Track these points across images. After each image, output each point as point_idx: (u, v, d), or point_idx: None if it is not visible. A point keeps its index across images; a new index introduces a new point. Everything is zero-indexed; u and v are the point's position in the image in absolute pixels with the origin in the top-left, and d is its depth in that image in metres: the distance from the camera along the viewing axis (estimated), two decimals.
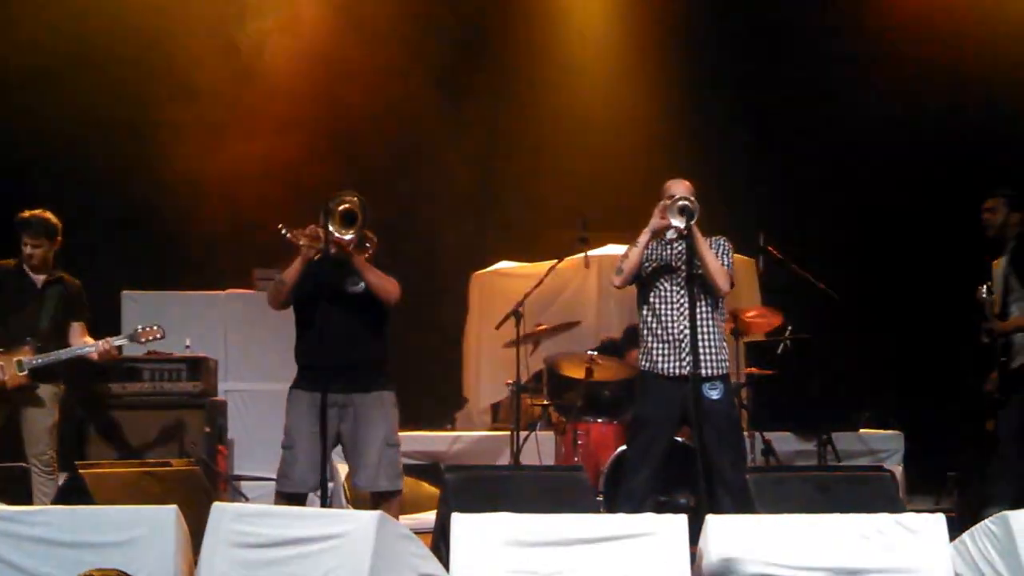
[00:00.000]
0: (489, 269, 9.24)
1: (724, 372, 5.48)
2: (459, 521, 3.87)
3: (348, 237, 5.09)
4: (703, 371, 5.33)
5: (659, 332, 5.46)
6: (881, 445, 7.83)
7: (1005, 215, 6.29)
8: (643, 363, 5.56)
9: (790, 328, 7.48)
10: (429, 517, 5.44)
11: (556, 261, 7.24)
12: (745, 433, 7.02)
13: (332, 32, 9.49)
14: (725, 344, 5.58)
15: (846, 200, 9.69)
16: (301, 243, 5.17)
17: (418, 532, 5.13)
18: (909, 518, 3.88)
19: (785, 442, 7.51)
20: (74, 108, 8.74)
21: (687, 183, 5.57)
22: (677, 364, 5.38)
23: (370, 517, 3.86)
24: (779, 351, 7.38)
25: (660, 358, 5.45)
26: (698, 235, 5.27)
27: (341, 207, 5.09)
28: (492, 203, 10.12)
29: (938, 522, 3.84)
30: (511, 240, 9.70)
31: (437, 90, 9.80)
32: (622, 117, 10.07)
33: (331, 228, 5.04)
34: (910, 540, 3.78)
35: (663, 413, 5.44)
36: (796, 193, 9.65)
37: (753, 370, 7.47)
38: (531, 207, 9.90)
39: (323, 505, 4.85)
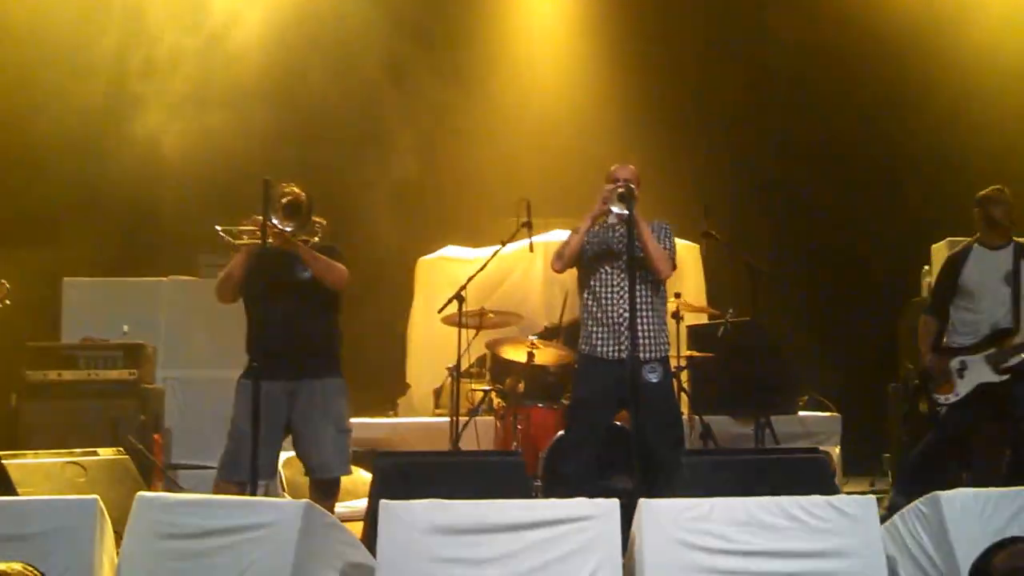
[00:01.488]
0: (434, 255, 9.17)
1: (663, 355, 5.48)
2: (386, 508, 3.81)
3: (290, 228, 5.03)
4: (642, 354, 5.36)
5: (599, 316, 5.46)
6: (818, 428, 7.89)
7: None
8: (583, 346, 5.56)
9: (731, 311, 7.49)
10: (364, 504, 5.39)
11: (500, 246, 7.18)
12: (684, 416, 7.03)
13: (294, 14, 9.41)
14: (665, 327, 5.57)
15: (789, 185, 9.74)
16: (240, 241, 5.10)
17: (355, 519, 5.11)
18: (841, 500, 3.88)
19: (724, 425, 7.54)
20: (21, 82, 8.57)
21: (632, 168, 5.57)
22: (616, 347, 5.38)
23: (296, 506, 3.79)
24: (719, 334, 7.39)
25: (599, 341, 5.45)
26: (639, 220, 5.26)
27: (284, 199, 5.04)
28: (438, 189, 10.05)
29: (869, 504, 3.84)
30: (457, 226, 9.64)
31: (386, 76, 9.71)
32: (567, 103, 10.06)
33: (273, 220, 4.97)
34: (842, 522, 3.78)
35: (601, 396, 5.44)
36: (740, 178, 9.68)
37: (694, 353, 7.48)
38: (477, 193, 9.84)
39: (252, 493, 4.76)
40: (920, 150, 9.61)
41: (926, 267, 8.06)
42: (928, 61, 9.72)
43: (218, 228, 5.11)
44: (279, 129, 9.23)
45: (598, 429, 5.50)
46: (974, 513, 3.94)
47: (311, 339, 5.20)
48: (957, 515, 3.92)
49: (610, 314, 5.42)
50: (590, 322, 5.52)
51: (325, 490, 5.09)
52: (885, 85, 9.75)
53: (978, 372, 5.80)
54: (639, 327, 5.31)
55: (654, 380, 5.39)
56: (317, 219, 5.29)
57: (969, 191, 8.71)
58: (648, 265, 5.37)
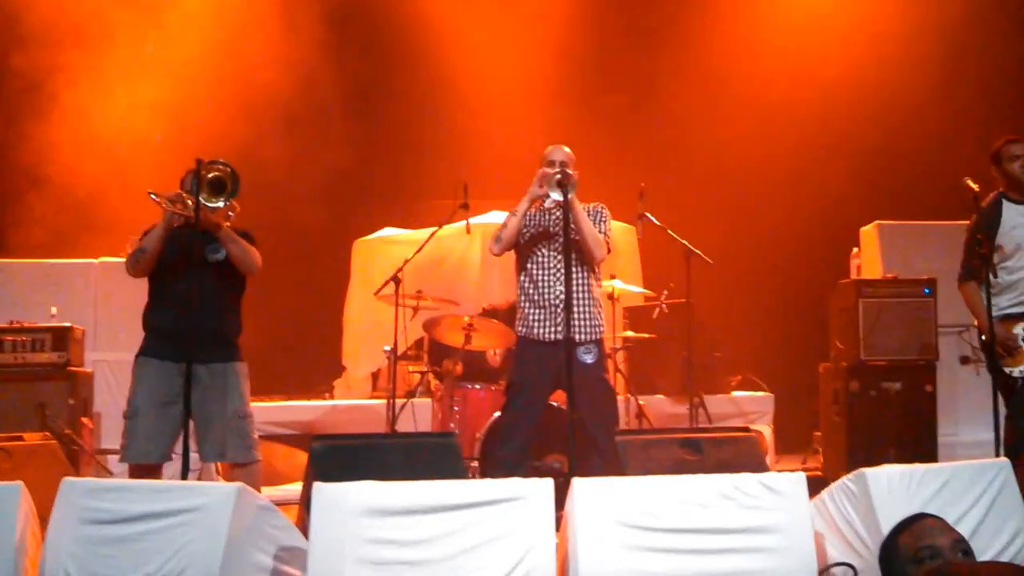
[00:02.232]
0: (371, 236, 9.12)
1: (598, 337, 5.52)
2: (320, 490, 3.78)
3: (216, 206, 4.96)
4: (577, 336, 5.40)
5: (536, 298, 5.49)
6: (752, 407, 8.01)
7: None
8: (519, 328, 5.58)
9: (666, 293, 7.55)
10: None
11: (437, 228, 7.16)
12: (620, 396, 7.08)
13: None
14: (600, 309, 5.60)
15: (724, 168, 9.82)
16: (168, 208, 5.01)
17: (291, 503, 5.07)
18: (771, 478, 3.92)
19: (659, 404, 7.63)
20: None
21: (567, 149, 5.58)
22: (552, 329, 5.40)
23: (228, 490, 3.74)
24: (655, 315, 7.45)
25: (536, 323, 5.48)
26: (575, 204, 5.28)
27: (211, 175, 4.96)
28: (375, 171, 9.98)
29: (798, 481, 3.88)
30: (394, 208, 9.60)
31: (323, 57, 9.61)
32: (502, 83, 10.02)
33: (201, 197, 4.90)
34: (771, 499, 3.81)
35: (537, 378, 5.46)
36: (676, 161, 9.74)
37: (629, 334, 7.53)
38: (414, 174, 9.79)
39: (183, 477, 4.71)
40: (850, 135, 9.75)
41: (855, 249, 8.18)
42: (855, 48, 9.86)
43: (151, 193, 5.03)
44: (214, 107, 9.09)
45: (534, 410, 5.52)
46: (900, 488, 4.01)
47: (214, 322, 5.12)
48: (883, 491, 3.98)
49: (546, 296, 5.45)
50: (527, 304, 5.54)
51: (236, 474, 5.05)
52: (816, 71, 9.86)
53: None
54: (575, 309, 5.36)
55: (589, 361, 5.44)
56: (232, 203, 5.21)
57: (896, 176, 8.89)
58: (583, 248, 5.40)
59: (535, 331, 5.49)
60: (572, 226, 5.23)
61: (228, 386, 5.12)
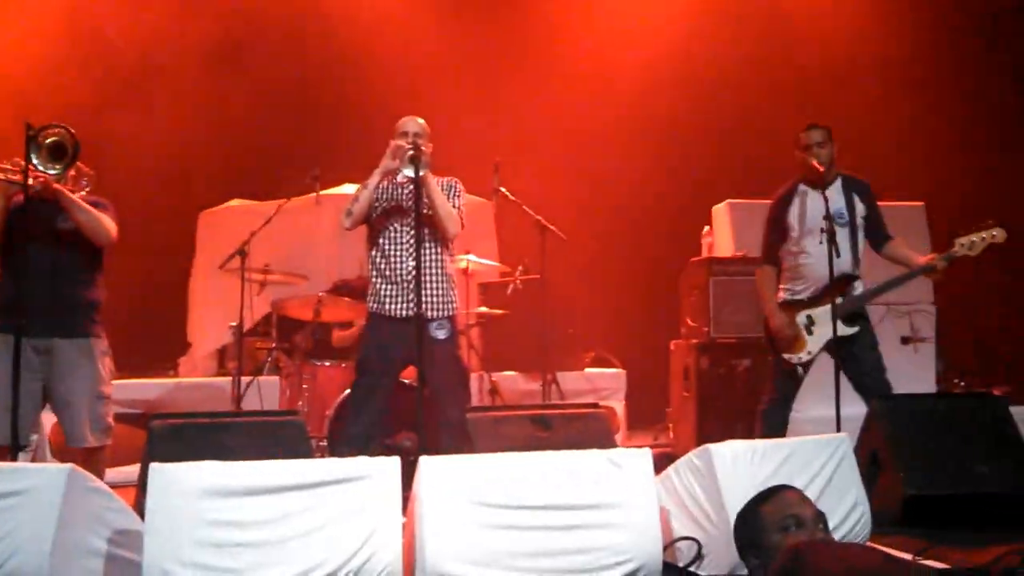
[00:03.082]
0: (218, 207, 8.83)
1: (451, 313, 5.45)
2: (156, 471, 3.61)
3: (54, 172, 4.70)
4: (430, 312, 5.32)
5: (387, 273, 5.39)
6: (604, 384, 8.07)
7: (832, 147, 5.65)
8: (371, 304, 5.47)
9: (521, 269, 7.54)
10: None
11: (285, 199, 6.96)
12: (474, 373, 7.05)
13: None
14: (453, 285, 5.53)
15: (579, 146, 9.86)
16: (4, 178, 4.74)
17: (129, 485, 4.85)
18: (617, 454, 3.93)
19: (512, 381, 7.62)
20: None
21: (420, 121, 5.48)
22: (404, 305, 5.31)
23: (58, 471, 3.54)
24: (509, 291, 7.43)
25: (388, 299, 5.38)
26: (429, 178, 5.20)
27: (49, 139, 4.71)
28: (223, 141, 9.66)
29: (644, 457, 3.90)
30: (242, 179, 9.32)
31: (169, 18, 9.26)
32: (359, 54, 9.83)
33: (36, 161, 4.63)
34: (617, 475, 3.82)
35: (388, 354, 5.37)
36: (531, 136, 9.73)
37: (484, 310, 7.49)
38: (264, 144, 9.52)
39: (13, 459, 4.46)
40: (704, 115, 9.92)
41: (706, 227, 8.32)
42: (711, 29, 10.02)
43: None
44: (55, 70, 8.67)
45: (385, 388, 5.43)
46: (743, 463, 4.08)
47: (69, 295, 4.90)
48: (727, 466, 4.05)
49: (398, 271, 5.35)
50: (378, 279, 5.44)
51: (88, 458, 4.81)
52: (673, 51, 9.98)
53: (829, 326, 5.45)
54: (427, 285, 5.28)
55: (441, 337, 5.37)
56: (86, 169, 4.99)
57: (748, 156, 9.08)
58: (436, 224, 5.33)
59: (387, 307, 5.39)
60: (425, 201, 5.15)
61: (85, 362, 4.90)
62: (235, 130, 9.61)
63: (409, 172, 5.12)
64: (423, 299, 5.11)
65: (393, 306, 5.37)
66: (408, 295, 5.28)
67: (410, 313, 5.24)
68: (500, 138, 9.00)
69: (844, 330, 5.49)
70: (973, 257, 5.45)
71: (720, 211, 8.42)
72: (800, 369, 5.65)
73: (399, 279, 5.34)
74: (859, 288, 5.62)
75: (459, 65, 9.79)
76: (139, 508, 3.93)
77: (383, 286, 5.41)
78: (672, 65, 9.86)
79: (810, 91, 9.52)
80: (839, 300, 5.50)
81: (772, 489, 3.47)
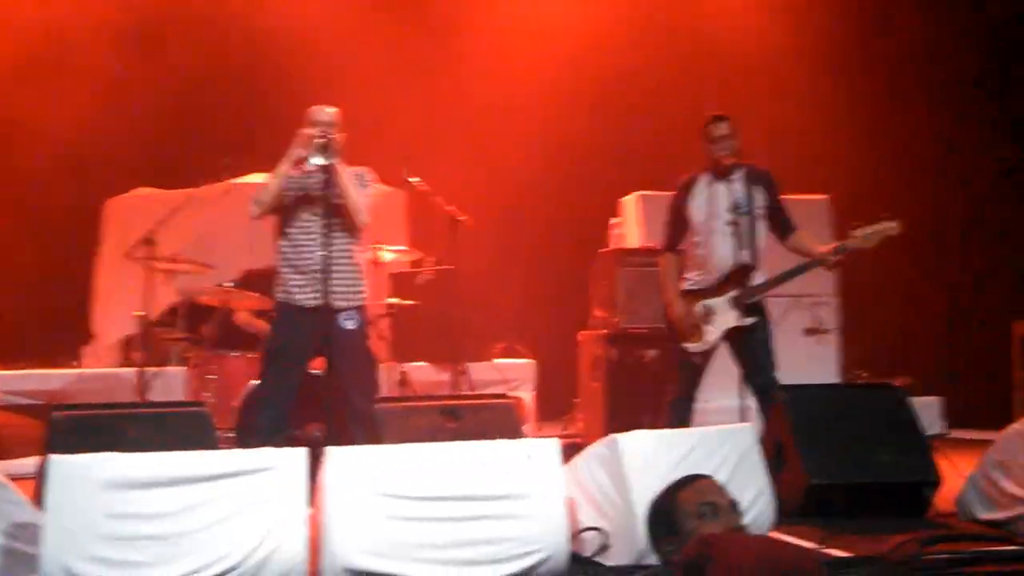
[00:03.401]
0: (125, 195, 8.64)
1: (360, 303, 5.42)
2: (56, 463, 3.53)
3: None
4: (339, 302, 5.27)
5: (296, 262, 5.34)
6: (514, 374, 8.10)
7: (736, 139, 5.66)
8: (279, 294, 5.41)
9: (432, 259, 7.52)
10: None
11: (194, 188, 6.83)
12: (384, 364, 7.02)
13: None
14: (363, 275, 5.50)
15: (491, 133, 9.85)
16: None
17: (29, 477, 4.73)
18: (524, 444, 3.95)
19: (422, 372, 7.60)
20: None
21: (331, 110, 5.43)
22: (313, 294, 5.26)
23: None
24: (420, 281, 7.41)
25: (296, 289, 5.33)
26: (339, 168, 5.16)
27: None
28: (132, 127, 9.44)
29: (552, 447, 3.92)
30: (151, 167, 9.13)
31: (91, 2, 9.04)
32: (272, 38, 9.68)
33: None
34: (525, 465, 3.84)
35: (296, 344, 5.33)
36: (442, 125, 9.71)
37: (394, 300, 7.45)
38: (172, 131, 9.33)
39: None
40: (615, 106, 9.99)
41: (616, 218, 8.39)
42: (621, 24, 10.09)
43: None
44: None
45: (292, 378, 5.38)
46: (650, 453, 4.12)
47: None
48: (634, 455, 4.08)
49: (307, 261, 5.30)
50: (287, 268, 5.38)
51: None
52: (581, 43, 10.01)
53: (726, 316, 5.57)
54: (337, 275, 5.24)
55: (350, 327, 5.33)
56: None
57: (658, 147, 9.16)
58: (346, 214, 5.30)
59: (295, 297, 5.34)
60: (335, 191, 5.12)
61: None
62: (145, 116, 9.40)
63: (318, 161, 5.07)
64: (332, 289, 5.08)
65: (302, 296, 5.32)
66: (317, 285, 5.23)
67: (318, 303, 5.20)
68: (411, 129, 8.97)
69: (741, 321, 5.56)
70: (873, 250, 5.57)
71: (629, 202, 8.50)
72: (697, 358, 5.67)
73: (308, 268, 5.30)
74: (757, 279, 5.64)
75: (372, 56, 9.70)
76: (38, 500, 3.85)
77: (292, 276, 5.36)
78: (582, 57, 9.88)
79: (718, 84, 9.63)
80: (736, 291, 5.57)
81: (689, 477, 3.53)
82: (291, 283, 5.35)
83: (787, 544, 3.37)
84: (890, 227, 5.45)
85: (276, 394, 5.34)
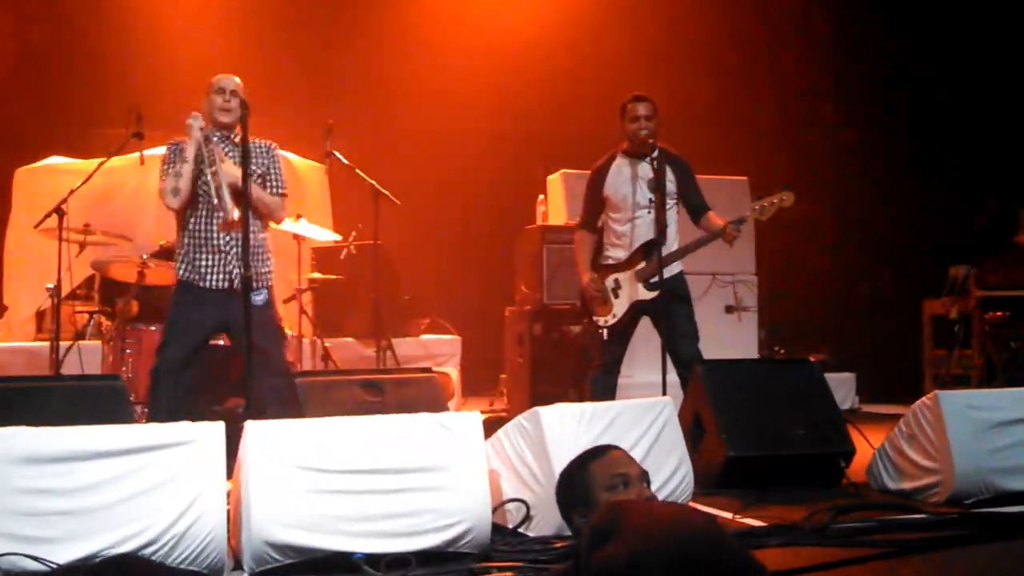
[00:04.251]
0: (35, 164, 8.41)
1: (268, 283, 5.33)
2: None
3: None
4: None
5: (204, 242, 5.17)
6: (440, 350, 8.10)
7: (655, 120, 5.70)
8: (183, 272, 5.23)
9: (354, 234, 7.45)
10: None
11: (105, 158, 6.65)
12: (307, 339, 6.95)
13: None
14: (269, 254, 5.38)
15: (417, 107, 9.79)
16: None
17: None
18: (446, 417, 3.92)
19: (347, 348, 7.55)
20: None
21: (236, 80, 5.27)
22: (222, 275, 5.15)
23: None
24: (343, 256, 7.33)
25: (204, 268, 5.17)
26: (229, 167, 5.03)
27: None
28: (40, 91, 9.18)
29: (473, 420, 3.91)
30: (61, 135, 8.89)
31: None
32: (188, 8, 9.49)
33: None
34: (448, 438, 3.82)
35: (199, 322, 5.17)
36: (366, 97, 9.62)
37: (317, 275, 7.38)
38: (83, 97, 9.10)
39: None
40: (543, 83, 10.00)
41: (541, 196, 8.41)
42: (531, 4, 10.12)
43: None
44: None
45: (190, 354, 5.21)
46: (571, 425, 4.15)
47: None
48: (555, 428, 4.11)
49: (216, 241, 5.16)
50: (192, 248, 5.20)
51: None
52: (512, 19, 10.02)
53: (631, 290, 5.69)
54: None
55: (258, 302, 5.16)
56: None
57: (581, 125, 9.19)
58: (261, 216, 5.25)
59: (204, 276, 5.16)
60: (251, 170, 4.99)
61: None
62: (49, 81, 9.15)
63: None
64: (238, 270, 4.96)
65: (210, 276, 5.17)
66: (226, 266, 5.13)
67: (225, 285, 5.11)
68: (333, 102, 8.87)
69: (644, 294, 5.64)
70: (770, 221, 5.67)
71: (554, 180, 8.53)
72: (614, 334, 5.73)
73: (216, 249, 5.17)
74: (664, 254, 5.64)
75: (295, 27, 9.58)
76: None
77: (200, 255, 5.19)
78: (513, 35, 9.89)
79: (646, 64, 9.69)
80: (642, 264, 5.65)
81: (598, 448, 3.53)
82: (199, 263, 5.18)
83: (698, 512, 3.41)
84: (783, 198, 5.53)
85: (177, 368, 5.15)
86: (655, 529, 2.11)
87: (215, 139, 5.16)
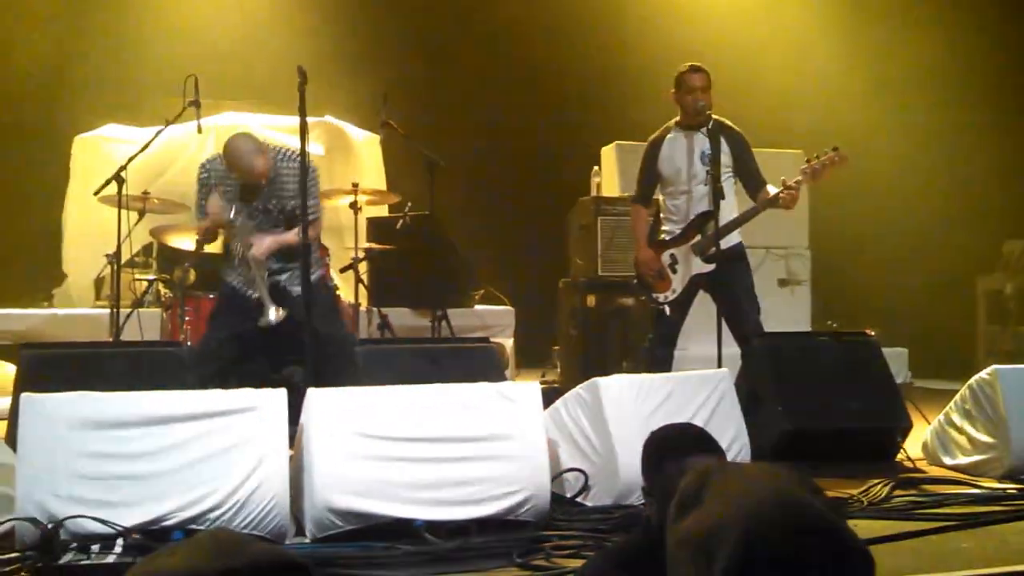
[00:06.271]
0: (92, 133, 8.50)
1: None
2: (28, 402, 3.48)
3: None
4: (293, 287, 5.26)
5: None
6: (494, 320, 8.09)
7: (710, 93, 5.62)
8: (230, 277, 5.34)
9: (410, 204, 7.45)
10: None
11: (163, 126, 6.68)
12: (364, 308, 6.98)
13: None
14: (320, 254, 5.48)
15: (471, 82, 9.77)
16: None
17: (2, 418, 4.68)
18: (507, 387, 3.94)
19: (402, 317, 7.57)
20: None
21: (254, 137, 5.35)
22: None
23: None
24: (398, 227, 7.33)
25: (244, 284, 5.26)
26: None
27: None
28: (96, 62, 9.26)
29: (533, 390, 3.91)
30: (118, 103, 8.96)
31: None
32: None
33: None
34: (507, 407, 3.83)
35: (245, 326, 5.21)
36: (422, 69, 9.61)
37: (373, 245, 7.39)
38: (139, 67, 9.16)
39: None
40: (596, 54, 9.93)
41: (596, 167, 8.36)
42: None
43: None
44: None
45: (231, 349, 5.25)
46: (629, 397, 4.15)
47: None
48: (614, 399, 4.11)
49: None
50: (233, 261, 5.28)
51: None
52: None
53: (688, 264, 5.61)
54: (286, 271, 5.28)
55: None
56: None
57: (635, 97, 9.12)
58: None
59: (245, 290, 5.26)
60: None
61: None
62: (105, 52, 9.22)
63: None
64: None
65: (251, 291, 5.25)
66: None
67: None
68: (389, 72, 8.86)
69: (702, 267, 5.58)
70: (823, 184, 5.60)
71: (608, 152, 8.47)
72: (667, 308, 5.67)
73: (268, 271, 5.23)
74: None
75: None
76: (11, 441, 3.81)
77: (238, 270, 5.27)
78: (564, 4, 9.83)
79: (700, 36, 9.58)
80: (697, 238, 5.59)
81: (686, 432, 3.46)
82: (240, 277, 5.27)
83: (789, 472, 3.35)
84: (837, 158, 5.40)
85: (228, 339, 5.23)
86: (738, 491, 2.08)
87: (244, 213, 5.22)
